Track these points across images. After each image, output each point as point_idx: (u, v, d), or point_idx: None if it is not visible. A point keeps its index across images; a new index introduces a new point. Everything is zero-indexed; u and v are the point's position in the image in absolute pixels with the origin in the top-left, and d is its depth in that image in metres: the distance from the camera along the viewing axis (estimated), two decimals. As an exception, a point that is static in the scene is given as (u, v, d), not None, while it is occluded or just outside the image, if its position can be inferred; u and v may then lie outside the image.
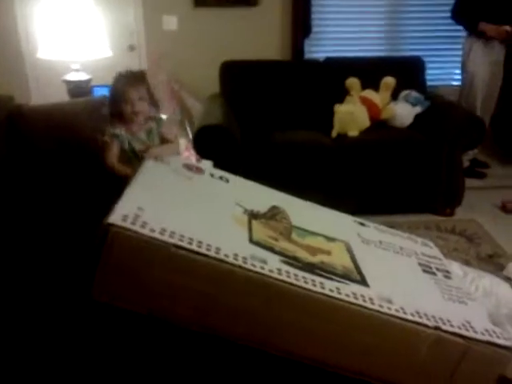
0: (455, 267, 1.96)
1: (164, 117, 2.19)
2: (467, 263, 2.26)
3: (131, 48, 3.94)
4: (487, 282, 1.88)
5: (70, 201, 2.01)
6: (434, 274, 1.78)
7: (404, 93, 3.23)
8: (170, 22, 3.89)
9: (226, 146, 2.74)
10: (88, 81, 2.95)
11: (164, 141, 2.09)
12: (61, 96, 2.93)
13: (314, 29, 3.83)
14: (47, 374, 1.42)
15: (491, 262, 2.34)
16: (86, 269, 1.34)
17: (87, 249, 1.37)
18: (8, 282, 1.61)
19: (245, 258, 1.35)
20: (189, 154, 2.93)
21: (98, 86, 2.98)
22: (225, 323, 1.39)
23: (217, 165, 2.66)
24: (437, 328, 1.39)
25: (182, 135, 3.40)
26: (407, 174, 2.91)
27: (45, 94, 3.43)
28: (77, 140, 2.14)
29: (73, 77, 2.92)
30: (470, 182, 3.42)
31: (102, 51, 2.97)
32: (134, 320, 1.41)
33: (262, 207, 1.80)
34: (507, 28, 3.33)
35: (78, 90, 2.87)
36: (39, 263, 1.69)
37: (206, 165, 2.44)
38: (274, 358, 1.41)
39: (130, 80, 2.01)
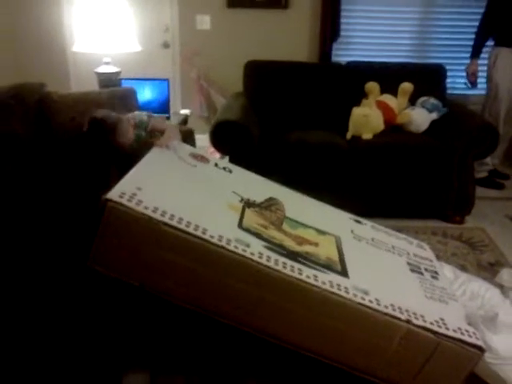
0: (447, 270, 2.00)
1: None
2: (463, 268, 2.28)
3: (165, 45, 4.10)
4: (476, 285, 1.91)
5: (87, 182, 2.16)
6: (421, 273, 1.84)
7: (422, 99, 3.24)
8: (204, 22, 4.02)
9: (242, 141, 2.84)
10: (117, 73, 3.12)
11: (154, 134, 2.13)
12: (92, 87, 3.12)
13: (342, 33, 3.88)
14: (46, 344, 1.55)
15: (491, 270, 2.34)
16: (84, 239, 1.48)
17: (88, 221, 1.50)
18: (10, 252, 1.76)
19: (229, 240, 1.46)
20: (213, 151, 3.04)
21: (126, 79, 3.15)
22: (209, 301, 1.50)
23: (233, 160, 2.78)
24: (408, 321, 1.46)
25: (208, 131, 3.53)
26: (418, 179, 2.93)
27: (83, 85, 3.65)
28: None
29: (104, 69, 3.10)
30: (486, 192, 3.42)
31: (131, 46, 3.13)
32: (128, 291, 1.54)
33: (259, 197, 1.90)
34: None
35: (108, 81, 3.04)
36: (45, 233, 1.85)
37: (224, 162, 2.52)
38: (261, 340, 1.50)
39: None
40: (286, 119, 3.30)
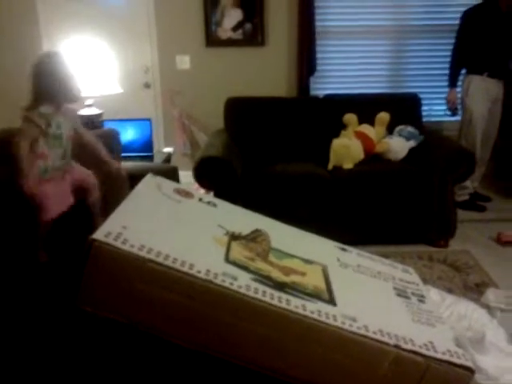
0: (433, 293, 2.03)
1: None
2: (450, 291, 2.31)
3: (146, 85, 4.18)
4: (463, 307, 1.93)
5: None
6: (407, 297, 1.85)
7: (399, 127, 3.35)
8: (183, 61, 4.13)
9: (225, 176, 2.88)
10: (99, 115, 3.17)
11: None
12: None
13: (319, 67, 4.01)
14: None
15: (478, 291, 2.37)
16: (72, 280, 1.48)
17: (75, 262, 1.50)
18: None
19: (216, 274, 1.46)
20: (198, 187, 3.07)
21: (108, 120, 3.20)
22: (198, 335, 1.49)
23: (217, 194, 2.81)
24: (397, 346, 1.46)
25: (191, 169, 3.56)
26: (400, 206, 3.00)
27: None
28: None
29: (86, 111, 3.14)
30: (469, 215, 3.49)
31: (113, 88, 3.19)
32: (119, 330, 1.53)
33: (244, 230, 1.91)
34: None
35: (90, 123, 3.09)
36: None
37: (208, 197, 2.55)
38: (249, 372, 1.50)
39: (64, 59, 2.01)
40: (268, 153, 3.37)
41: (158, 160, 3.27)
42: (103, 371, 1.60)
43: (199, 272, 1.45)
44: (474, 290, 2.40)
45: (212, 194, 2.91)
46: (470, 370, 1.47)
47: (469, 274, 2.60)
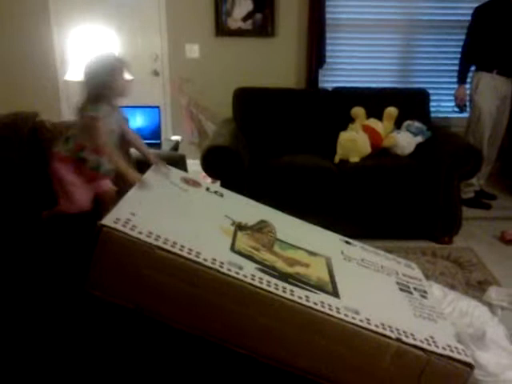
0: (435, 289, 2.04)
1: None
2: (452, 287, 2.32)
3: (155, 73, 4.18)
4: (465, 304, 1.95)
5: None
6: (410, 292, 1.87)
7: (407, 123, 3.34)
8: (193, 50, 4.12)
9: (233, 166, 2.89)
10: (108, 101, 3.17)
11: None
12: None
13: (328, 60, 4.00)
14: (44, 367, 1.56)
15: (480, 289, 2.39)
16: (81, 265, 1.50)
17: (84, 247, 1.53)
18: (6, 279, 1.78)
19: (222, 263, 1.49)
20: (205, 176, 3.09)
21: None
22: (203, 322, 1.52)
23: (223, 184, 2.82)
24: (398, 340, 1.49)
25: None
26: (406, 201, 3.00)
27: (70, 113, 3.70)
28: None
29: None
30: (474, 213, 3.49)
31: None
32: (125, 315, 1.56)
33: (250, 220, 1.93)
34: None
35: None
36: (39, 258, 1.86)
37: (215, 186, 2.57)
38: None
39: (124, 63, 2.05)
40: (275, 144, 3.37)
41: (165, 148, 3.28)
42: (106, 355, 1.62)
43: (205, 260, 1.47)
44: (476, 288, 2.42)
45: (219, 183, 2.92)
46: (470, 366, 1.49)
47: (471, 272, 2.61)
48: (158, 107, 3.43)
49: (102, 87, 1.94)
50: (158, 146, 3.34)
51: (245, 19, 4.01)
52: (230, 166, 2.90)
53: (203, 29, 4.05)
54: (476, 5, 3.63)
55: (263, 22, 4.01)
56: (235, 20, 4.02)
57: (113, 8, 3.90)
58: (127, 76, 2.05)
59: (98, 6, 3.87)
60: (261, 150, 3.26)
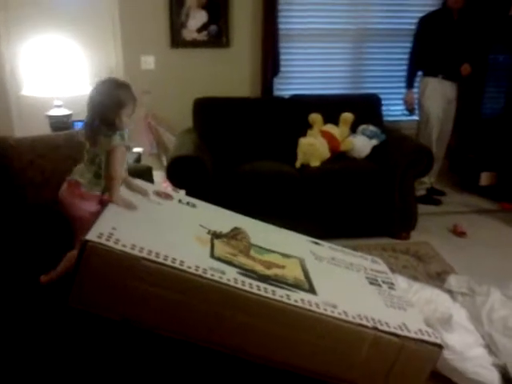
0: (401, 280, 2.18)
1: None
2: (415, 278, 2.48)
3: (111, 86, 4.15)
4: (428, 292, 2.10)
5: (55, 228, 2.17)
6: (379, 285, 2.00)
7: (362, 127, 3.51)
8: (148, 62, 4.13)
9: (198, 175, 2.94)
10: (69, 116, 3.16)
11: None
12: (43, 130, 3.13)
13: (282, 68, 4.12)
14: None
15: (439, 279, 2.56)
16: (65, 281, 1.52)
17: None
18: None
19: (205, 270, 1.55)
20: (166, 185, 3.12)
21: (78, 121, 3.20)
22: (190, 327, 1.57)
23: (189, 193, 2.87)
24: (375, 328, 1.60)
25: (158, 168, 3.60)
26: (365, 201, 3.16)
27: (27, 129, 3.63)
28: (58, 170, 2.33)
29: (55, 112, 3.13)
30: (427, 209, 3.71)
31: (82, 88, 3.19)
32: (110, 326, 1.58)
33: (224, 228, 2.01)
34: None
35: (60, 124, 3.08)
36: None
37: (180, 194, 2.62)
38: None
39: (132, 90, 1.88)
40: (237, 152, 3.45)
41: (129, 160, 3.28)
42: (95, 367, 1.64)
43: (189, 267, 1.53)
44: (436, 278, 2.59)
45: (183, 192, 2.96)
46: (440, 347, 1.63)
47: (430, 264, 2.79)
48: (119, 120, 3.42)
49: (109, 119, 1.81)
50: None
51: (200, 30, 4.07)
52: (195, 175, 2.95)
53: (158, 40, 4.07)
54: (420, 14, 3.87)
55: (218, 33, 4.08)
56: (190, 31, 4.07)
57: (65, 20, 3.85)
58: (133, 114, 1.88)
59: (50, 18, 3.81)
60: (223, 158, 3.33)
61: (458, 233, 3.29)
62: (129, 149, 1.94)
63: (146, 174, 2.67)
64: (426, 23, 3.78)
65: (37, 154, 2.33)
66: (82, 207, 1.83)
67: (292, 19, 4.14)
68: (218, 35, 4.08)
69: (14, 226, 2.16)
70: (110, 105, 1.79)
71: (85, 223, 1.70)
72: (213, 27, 4.06)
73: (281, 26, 4.02)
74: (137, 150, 3.54)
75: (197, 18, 4.04)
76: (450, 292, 2.21)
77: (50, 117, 3.12)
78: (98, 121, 1.82)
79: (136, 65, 4.11)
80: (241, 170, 3.18)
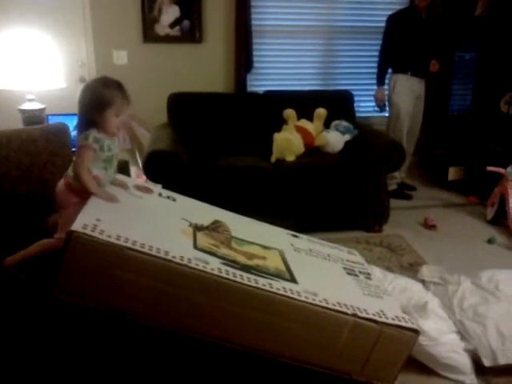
0: (376, 271, 2.25)
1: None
2: (388, 269, 2.56)
3: (82, 80, 4.10)
4: (403, 282, 2.17)
5: (30, 223, 2.14)
6: (356, 275, 2.06)
7: (335, 122, 3.58)
8: (120, 57, 4.10)
9: (175, 170, 2.95)
10: (42, 110, 3.11)
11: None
12: (14, 125, 3.07)
13: (256, 64, 4.16)
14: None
15: (411, 270, 2.65)
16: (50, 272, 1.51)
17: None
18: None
19: (189, 259, 1.57)
20: (141, 180, 3.11)
21: (53, 115, 3.15)
22: (175, 316, 1.59)
23: (165, 188, 2.86)
24: (354, 315, 1.66)
25: (132, 163, 3.58)
26: (339, 195, 3.23)
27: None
28: (36, 164, 2.30)
29: (28, 106, 3.07)
30: (398, 203, 3.81)
31: (55, 82, 3.14)
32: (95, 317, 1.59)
33: (205, 221, 2.03)
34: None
35: (33, 118, 3.02)
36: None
37: (156, 188, 2.62)
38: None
39: (122, 89, 1.84)
40: (213, 147, 3.47)
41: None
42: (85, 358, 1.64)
43: (174, 257, 1.55)
44: (409, 269, 2.68)
45: (160, 186, 2.96)
46: (416, 332, 1.70)
47: (403, 255, 2.88)
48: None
49: (90, 118, 1.79)
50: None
51: (172, 26, 4.06)
52: (171, 169, 2.95)
53: (131, 35, 4.04)
54: (389, 12, 3.96)
55: (191, 29, 4.08)
56: (163, 26, 4.06)
57: (36, 13, 3.79)
58: (122, 113, 1.83)
59: (21, 11, 3.74)
60: (199, 153, 3.34)
61: (429, 226, 3.40)
62: (101, 151, 1.84)
63: (124, 169, 2.65)
64: (395, 21, 3.87)
65: (12, 148, 2.28)
66: (66, 198, 1.85)
67: (264, 15, 4.18)
68: (190, 30, 4.09)
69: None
70: (92, 103, 1.77)
71: (67, 214, 1.76)
72: (185, 22, 4.06)
73: (253, 22, 4.06)
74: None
75: (169, 13, 4.04)
76: (422, 282, 2.29)
77: (23, 111, 3.06)
78: (80, 117, 1.82)
79: (108, 59, 4.07)
80: (217, 165, 3.19)
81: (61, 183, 1.89)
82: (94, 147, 1.80)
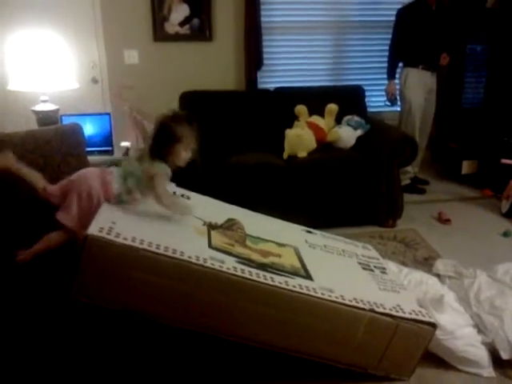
0: (391, 265, 2.25)
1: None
2: (403, 264, 2.55)
3: (94, 80, 4.13)
4: (418, 275, 2.16)
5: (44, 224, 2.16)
6: (371, 270, 2.07)
7: (347, 117, 3.57)
8: (131, 56, 4.11)
9: (187, 167, 2.95)
10: (56, 111, 3.14)
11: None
12: (29, 126, 3.10)
13: (266, 61, 4.15)
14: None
15: (426, 264, 2.63)
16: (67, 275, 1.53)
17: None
18: None
19: (205, 259, 1.59)
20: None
21: (66, 116, 3.18)
22: (192, 316, 1.61)
23: (179, 185, 2.88)
24: (371, 310, 1.66)
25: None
26: (352, 191, 3.22)
27: (13, 125, 3.57)
28: (50, 164, 2.32)
29: (41, 107, 3.11)
30: (411, 198, 3.79)
31: (68, 83, 3.17)
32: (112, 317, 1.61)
33: (219, 219, 2.04)
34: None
35: (47, 119, 3.06)
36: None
37: (172, 186, 2.63)
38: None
39: (193, 127, 2.04)
40: (225, 145, 3.47)
41: (118, 154, 3.29)
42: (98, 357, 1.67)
43: (190, 257, 1.57)
44: (424, 263, 2.67)
45: (174, 184, 2.97)
46: (433, 325, 1.70)
47: (417, 250, 2.87)
48: (108, 114, 3.43)
49: (163, 150, 1.92)
50: (109, 152, 3.34)
51: (182, 24, 4.07)
52: (184, 167, 2.96)
53: (141, 34, 4.06)
54: (399, 6, 3.93)
55: (201, 27, 4.09)
56: (173, 25, 4.07)
57: (48, 14, 3.81)
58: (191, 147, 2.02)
59: (33, 12, 3.77)
60: (211, 151, 3.34)
61: (443, 220, 3.38)
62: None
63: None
64: (405, 15, 3.84)
65: (27, 148, 2.31)
66: (95, 185, 1.85)
67: (274, 12, 4.17)
68: (200, 29, 4.09)
69: (8, 223, 2.14)
70: (163, 138, 1.92)
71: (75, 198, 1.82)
72: (195, 21, 4.06)
73: (263, 19, 4.04)
74: (124, 144, 3.54)
75: (179, 12, 4.04)
76: (437, 276, 2.28)
77: (37, 112, 3.10)
78: (150, 145, 1.93)
79: (120, 59, 4.09)
80: (229, 162, 3.20)
81: (95, 175, 1.89)
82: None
